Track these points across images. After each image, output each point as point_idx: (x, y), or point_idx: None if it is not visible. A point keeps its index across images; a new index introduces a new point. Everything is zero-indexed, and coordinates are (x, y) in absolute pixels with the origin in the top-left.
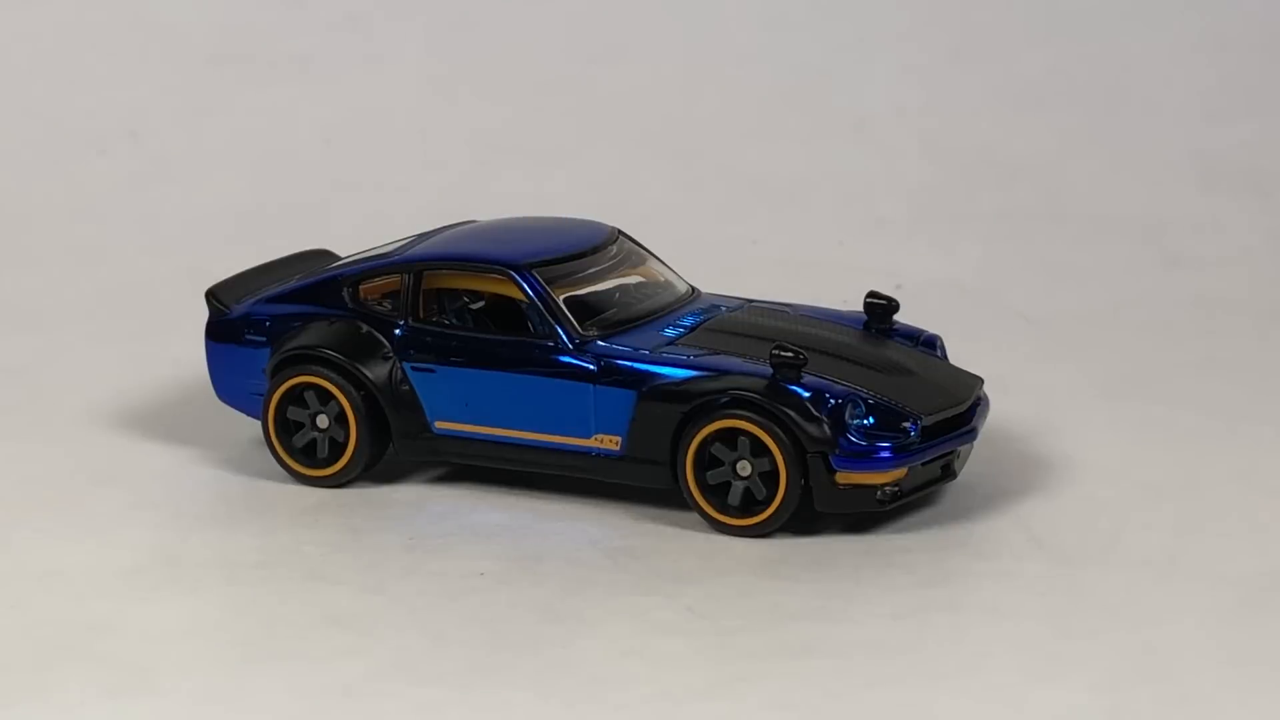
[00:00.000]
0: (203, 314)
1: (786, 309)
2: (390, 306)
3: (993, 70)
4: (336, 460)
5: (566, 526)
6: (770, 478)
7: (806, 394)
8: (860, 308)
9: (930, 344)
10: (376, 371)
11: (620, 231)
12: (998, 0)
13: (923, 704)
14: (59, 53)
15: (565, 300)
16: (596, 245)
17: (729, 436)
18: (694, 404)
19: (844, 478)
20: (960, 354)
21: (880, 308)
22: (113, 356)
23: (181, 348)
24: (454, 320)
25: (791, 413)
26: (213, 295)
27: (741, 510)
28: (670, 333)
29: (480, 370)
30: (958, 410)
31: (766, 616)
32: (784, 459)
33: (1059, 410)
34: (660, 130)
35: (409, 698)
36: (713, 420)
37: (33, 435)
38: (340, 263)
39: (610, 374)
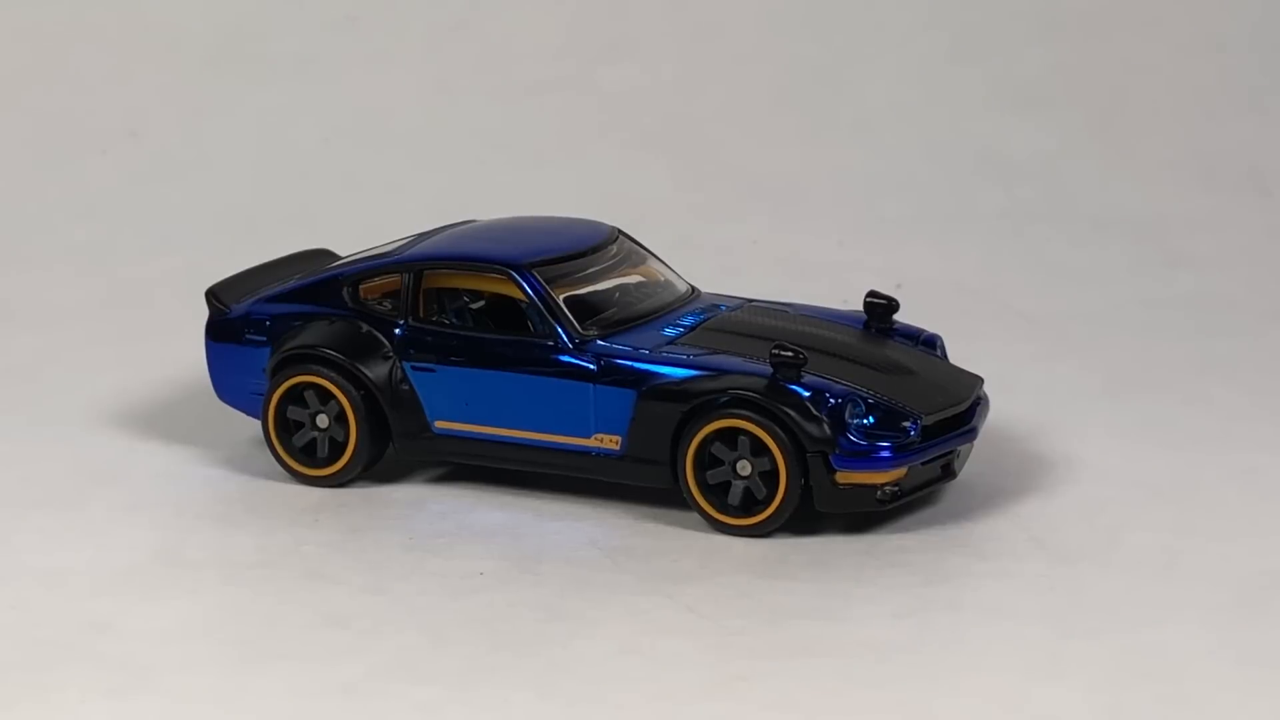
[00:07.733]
0: (203, 314)
1: (786, 309)
2: (390, 306)
3: (993, 70)
4: (336, 460)
5: (566, 526)
6: (770, 477)
7: (806, 393)
8: (860, 308)
9: (930, 344)
10: (376, 371)
11: (620, 231)
12: (998, 0)
13: (923, 704)
14: (59, 53)
15: (565, 300)
16: (596, 245)
17: (729, 436)
18: (694, 403)
19: (844, 477)
20: (960, 354)
21: (880, 308)
22: (113, 356)
23: (181, 348)
24: (454, 320)
25: (791, 412)
26: (213, 295)
27: (741, 510)
28: (670, 332)
29: (480, 370)
30: (958, 410)
31: (766, 616)
32: (784, 458)
33: (1059, 410)
34: (660, 130)
35: (409, 698)
36: (713, 420)
37: (33, 435)
38: (340, 263)
39: (610, 373)
